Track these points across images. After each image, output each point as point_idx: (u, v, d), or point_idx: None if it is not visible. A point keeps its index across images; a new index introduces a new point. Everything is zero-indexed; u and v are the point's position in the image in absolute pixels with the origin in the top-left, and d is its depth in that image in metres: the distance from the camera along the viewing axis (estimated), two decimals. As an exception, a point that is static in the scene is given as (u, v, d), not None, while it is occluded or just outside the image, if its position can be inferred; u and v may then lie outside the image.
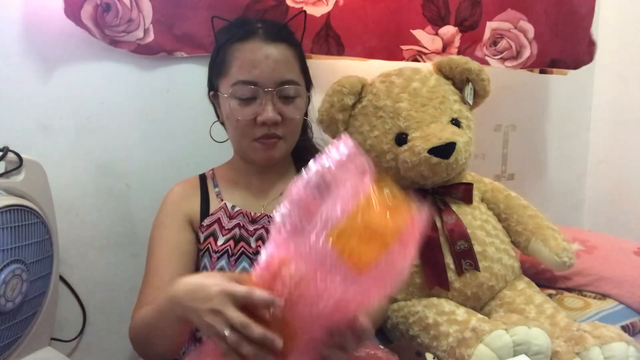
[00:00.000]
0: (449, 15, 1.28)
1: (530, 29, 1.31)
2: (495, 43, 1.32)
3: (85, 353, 1.23)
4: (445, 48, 1.31)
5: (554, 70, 1.46)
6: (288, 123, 0.95)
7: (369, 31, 1.27)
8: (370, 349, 0.82)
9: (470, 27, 1.30)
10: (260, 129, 0.93)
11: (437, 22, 1.28)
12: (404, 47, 1.29)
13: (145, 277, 0.95)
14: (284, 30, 0.98)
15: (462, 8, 1.28)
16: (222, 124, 1.04)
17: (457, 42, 1.30)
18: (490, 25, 1.30)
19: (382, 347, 0.96)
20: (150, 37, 1.16)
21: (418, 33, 1.28)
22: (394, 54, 1.29)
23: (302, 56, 1.00)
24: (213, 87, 0.99)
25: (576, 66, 1.41)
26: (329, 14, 1.23)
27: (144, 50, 1.17)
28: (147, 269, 0.96)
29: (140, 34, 1.14)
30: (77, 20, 1.09)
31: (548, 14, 1.32)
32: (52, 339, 1.07)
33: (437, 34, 1.29)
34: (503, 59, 1.34)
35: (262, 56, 0.90)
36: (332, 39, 1.24)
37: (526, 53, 1.33)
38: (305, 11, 1.13)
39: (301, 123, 1.01)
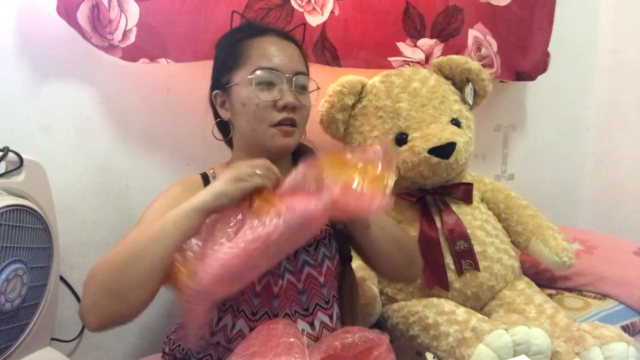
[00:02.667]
0: (424, 29, 1.33)
1: (494, 43, 1.39)
2: (479, 49, 1.38)
3: (85, 353, 1.23)
4: (427, 59, 1.35)
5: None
6: (302, 111, 0.97)
7: (361, 42, 1.29)
8: (362, 331, 0.83)
9: (450, 35, 1.34)
10: (279, 114, 0.94)
11: (414, 35, 1.33)
12: (391, 59, 1.32)
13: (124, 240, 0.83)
14: (291, 36, 1.02)
15: (439, 19, 1.33)
16: (220, 124, 1.03)
17: (437, 52, 1.34)
18: (472, 33, 1.36)
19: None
20: (130, 40, 1.11)
21: (401, 45, 1.32)
22: (384, 66, 1.32)
23: (307, 59, 1.03)
24: (220, 85, 0.98)
25: (534, 78, 1.51)
26: (324, 24, 1.24)
27: (125, 56, 1.13)
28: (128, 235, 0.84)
29: (119, 35, 1.11)
30: (71, 20, 1.07)
31: (509, 31, 1.39)
32: (52, 339, 1.07)
33: (416, 45, 1.33)
34: (484, 66, 1.39)
35: (281, 48, 0.95)
36: (327, 51, 1.25)
37: (495, 64, 1.41)
38: (305, 24, 1.15)
39: (308, 116, 1.03)
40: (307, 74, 0.98)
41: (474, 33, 1.36)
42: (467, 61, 1.22)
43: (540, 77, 1.55)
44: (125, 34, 1.11)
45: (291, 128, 0.95)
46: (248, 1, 1.17)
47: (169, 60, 1.15)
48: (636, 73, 1.62)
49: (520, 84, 1.59)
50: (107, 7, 1.08)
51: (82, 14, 1.07)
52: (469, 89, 1.24)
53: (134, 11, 1.10)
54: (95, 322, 0.76)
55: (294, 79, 0.94)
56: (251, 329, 0.85)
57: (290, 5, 1.21)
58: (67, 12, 1.07)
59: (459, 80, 1.25)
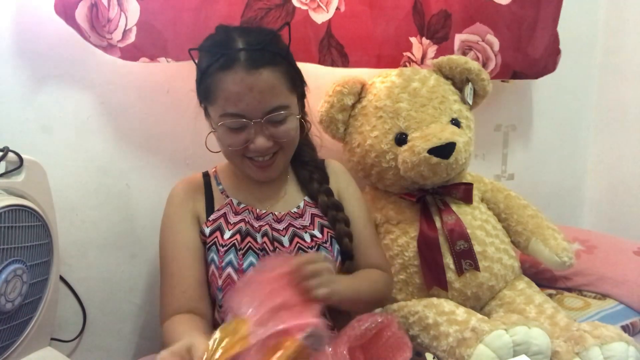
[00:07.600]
0: (424, 27, 1.33)
1: (495, 42, 1.39)
2: (464, 54, 1.38)
3: (85, 353, 1.23)
4: (422, 60, 1.35)
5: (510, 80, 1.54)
6: (282, 141, 0.95)
7: (373, 38, 1.27)
8: (372, 316, 0.85)
9: (442, 39, 1.35)
10: (252, 152, 0.94)
11: (421, 32, 1.33)
12: (405, 54, 1.32)
13: (167, 282, 0.96)
14: (267, 52, 0.91)
15: (433, 21, 1.33)
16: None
17: (430, 54, 1.34)
18: (459, 38, 1.36)
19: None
20: (130, 39, 1.10)
21: (413, 40, 1.32)
22: (396, 60, 1.31)
23: (289, 70, 0.94)
24: (201, 101, 0.99)
25: (537, 76, 1.51)
26: (329, 21, 1.22)
27: (124, 56, 1.11)
28: (166, 274, 0.97)
29: (118, 35, 1.09)
30: (69, 19, 1.06)
31: (510, 29, 1.40)
32: (52, 339, 1.07)
33: (421, 43, 1.33)
34: None
35: (247, 88, 0.88)
36: (334, 49, 1.24)
37: (491, 65, 1.41)
38: (289, 23, 1.00)
39: (298, 135, 0.99)
40: (282, 106, 0.91)
41: (463, 37, 1.36)
42: (467, 61, 1.22)
43: (540, 78, 1.55)
44: (125, 33, 1.10)
45: (269, 161, 0.95)
46: (248, 0, 1.16)
47: (169, 60, 1.15)
48: (636, 73, 1.62)
49: (520, 83, 1.59)
50: (107, 6, 1.07)
51: (81, 13, 1.06)
52: (468, 89, 1.24)
53: (134, 10, 1.09)
54: None
55: (263, 121, 0.90)
56: None
57: (292, 4, 1.19)
58: (65, 11, 1.05)
59: (458, 80, 1.25)
